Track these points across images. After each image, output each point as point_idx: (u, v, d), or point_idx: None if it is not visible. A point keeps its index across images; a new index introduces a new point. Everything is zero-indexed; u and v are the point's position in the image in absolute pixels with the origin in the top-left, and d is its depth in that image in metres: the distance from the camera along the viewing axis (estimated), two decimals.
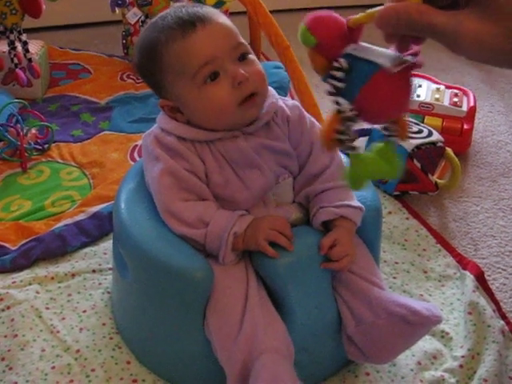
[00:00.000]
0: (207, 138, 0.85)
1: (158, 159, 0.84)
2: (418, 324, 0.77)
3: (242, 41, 0.85)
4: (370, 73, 0.59)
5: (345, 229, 0.84)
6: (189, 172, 0.83)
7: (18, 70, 1.51)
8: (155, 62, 0.85)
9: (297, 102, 0.94)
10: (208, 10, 0.85)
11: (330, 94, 0.61)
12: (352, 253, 0.83)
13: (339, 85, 0.61)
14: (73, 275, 1.06)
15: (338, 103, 0.61)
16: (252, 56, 0.85)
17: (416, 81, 1.57)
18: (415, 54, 0.61)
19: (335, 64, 0.61)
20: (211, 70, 0.81)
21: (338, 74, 0.60)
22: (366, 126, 1.33)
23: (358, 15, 0.59)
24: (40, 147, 1.43)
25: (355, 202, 0.86)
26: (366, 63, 0.59)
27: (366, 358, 0.83)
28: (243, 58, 0.83)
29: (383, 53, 0.60)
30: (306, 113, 0.92)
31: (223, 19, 0.85)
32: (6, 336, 0.94)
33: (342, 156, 0.91)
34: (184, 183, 0.83)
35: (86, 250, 1.13)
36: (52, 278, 1.05)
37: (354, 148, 0.63)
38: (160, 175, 0.83)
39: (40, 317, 0.97)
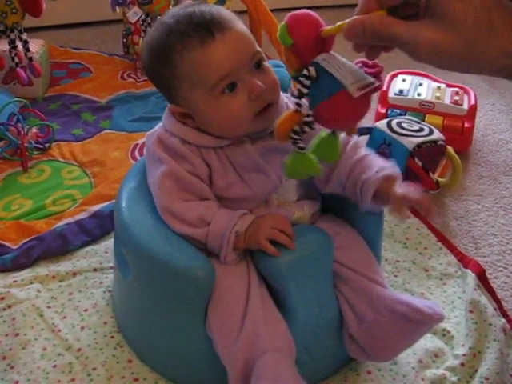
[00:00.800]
0: (215, 144, 0.84)
1: (161, 161, 0.84)
2: (419, 322, 0.77)
3: (258, 49, 0.84)
4: (332, 91, 0.65)
5: (394, 186, 0.80)
6: (191, 174, 0.83)
7: (18, 69, 1.51)
8: (169, 68, 0.83)
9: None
10: (224, 15, 0.82)
11: (295, 97, 0.67)
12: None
13: (304, 91, 0.67)
14: (74, 274, 1.06)
15: (299, 105, 0.68)
16: (266, 64, 0.84)
17: (417, 79, 1.57)
18: (378, 73, 0.66)
19: (304, 71, 0.66)
20: (229, 81, 0.80)
21: (305, 82, 0.66)
22: (366, 125, 1.34)
23: (330, 27, 0.64)
24: (41, 146, 1.43)
25: (386, 163, 0.84)
26: (331, 79, 0.64)
27: (368, 356, 0.83)
28: (258, 65, 0.82)
29: (350, 70, 0.65)
30: None
31: (240, 26, 0.83)
32: (7, 335, 0.94)
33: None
34: (186, 185, 0.82)
35: (87, 248, 1.13)
36: (53, 277, 1.05)
37: (302, 148, 0.69)
38: (162, 177, 0.83)
39: (41, 316, 0.98)
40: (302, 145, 0.68)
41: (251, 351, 0.75)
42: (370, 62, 0.67)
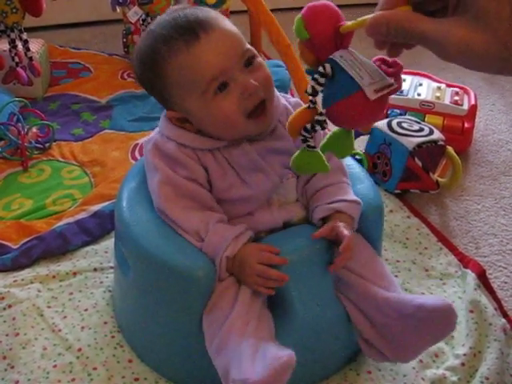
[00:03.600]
0: (213, 146, 0.84)
1: (157, 169, 0.84)
2: (427, 318, 0.77)
3: (248, 46, 0.82)
4: (348, 91, 0.61)
5: (340, 220, 0.82)
6: (188, 180, 0.82)
7: (18, 69, 1.51)
8: (160, 78, 0.82)
9: (299, 100, 0.94)
10: (208, 14, 0.81)
11: (309, 94, 0.63)
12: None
13: (318, 88, 0.64)
14: (74, 274, 1.06)
15: (313, 103, 0.64)
16: (258, 60, 0.82)
17: (417, 79, 1.57)
18: (397, 73, 0.63)
19: (320, 69, 0.62)
20: (220, 82, 0.79)
21: (320, 80, 0.63)
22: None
23: (350, 22, 0.60)
24: (41, 146, 1.43)
25: (351, 196, 0.86)
26: (348, 78, 0.61)
27: (387, 358, 0.83)
28: (249, 63, 0.81)
29: (368, 69, 0.62)
30: None
31: (225, 24, 0.81)
32: (7, 335, 0.94)
33: None
34: (183, 191, 0.82)
35: (88, 248, 1.13)
36: (53, 277, 1.05)
37: (312, 147, 0.67)
38: (159, 186, 0.83)
39: (41, 315, 0.98)
40: (311, 143, 0.66)
41: (227, 341, 0.74)
42: (390, 60, 0.64)
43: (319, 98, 0.65)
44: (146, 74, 0.85)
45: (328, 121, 0.65)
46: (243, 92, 0.79)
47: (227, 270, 0.80)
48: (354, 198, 0.86)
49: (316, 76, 0.63)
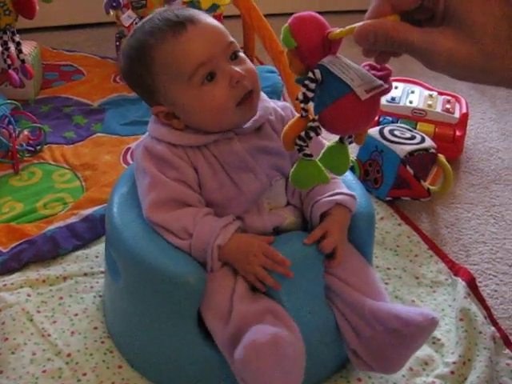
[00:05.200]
0: (201, 142, 0.84)
1: (146, 172, 0.84)
2: (413, 334, 0.77)
3: (232, 39, 0.85)
4: (339, 94, 0.62)
5: (337, 217, 0.84)
6: (177, 181, 0.83)
7: (10, 71, 1.51)
8: (146, 67, 0.83)
9: (287, 103, 0.96)
10: (194, 12, 0.84)
11: (300, 101, 0.63)
12: (341, 245, 0.83)
13: (310, 95, 0.64)
14: (64, 278, 1.06)
15: (305, 110, 0.64)
16: (242, 54, 0.85)
17: (409, 87, 1.58)
18: (387, 76, 0.64)
19: (310, 74, 0.63)
20: (208, 70, 0.80)
21: (310, 85, 0.63)
22: None
23: (338, 30, 0.61)
24: (32, 149, 1.42)
25: (346, 190, 0.87)
26: (338, 82, 0.62)
27: (374, 369, 0.83)
28: (235, 56, 0.83)
29: (357, 72, 0.62)
30: (296, 113, 0.93)
31: (211, 19, 0.84)
32: None
33: None
34: (172, 193, 0.82)
35: (78, 253, 1.12)
36: (43, 281, 1.05)
37: (308, 155, 0.67)
38: (147, 189, 0.83)
39: (31, 320, 0.97)
40: (307, 151, 0.67)
41: (240, 332, 0.74)
42: (378, 66, 0.65)
43: (311, 106, 0.65)
44: (134, 68, 0.86)
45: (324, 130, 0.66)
46: (231, 80, 0.80)
47: (219, 259, 0.80)
48: (350, 192, 0.87)
49: (306, 82, 0.63)
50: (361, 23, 0.56)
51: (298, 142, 0.66)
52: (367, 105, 0.62)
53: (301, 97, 0.64)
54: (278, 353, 0.70)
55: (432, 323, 0.78)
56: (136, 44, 0.84)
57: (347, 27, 0.59)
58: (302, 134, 0.65)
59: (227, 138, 0.85)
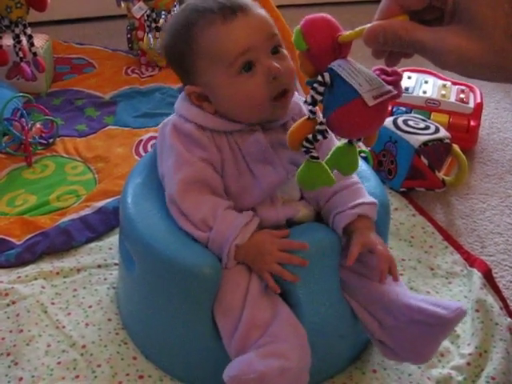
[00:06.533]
0: (227, 128, 0.84)
1: (173, 149, 0.84)
2: (439, 325, 0.76)
3: (277, 32, 0.84)
4: (347, 98, 0.62)
5: (367, 229, 0.82)
6: (204, 161, 0.82)
7: (22, 64, 1.51)
8: (189, 45, 0.83)
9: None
10: (247, 1, 0.83)
11: (308, 103, 0.64)
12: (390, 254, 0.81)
13: (318, 98, 0.65)
14: (78, 270, 1.06)
15: (313, 113, 0.65)
16: (284, 50, 0.84)
17: (422, 77, 1.57)
18: (396, 81, 0.64)
19: (319, 78, 0.64)
20: (247, 59, 0.80)
21: (319, 89, 0.64)
22: None
23: (348, 32, 0.62)
24: (44, 141, 1.43)
25: (368, 198, 0.85)
26: (346, 86, 0.62)
27: (402, 358, 0.83)
28: (276, 51, 0.82)
29: (366, 77, 0.63)
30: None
31: (260, 10, 0.84)
32: (11, 331, 0.94)
33: None
34: (196, 173, 0.82)
35: (92, 245, 1.13)
36: (57, 273, 1.05)
37: (315, 158, 0.67)
38: (174, 167, 0.83)
39: (45, 312, 0.97)
40: (314, 154, 0.67)
41: (248, 340, 0.75)
42: (389, 70, 0.65)
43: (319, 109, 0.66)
44: (177, 45, 0.85)
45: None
46: (268, 75, 0.80)
47: (235, 258, 0.79)
48: (372, 199, 0.85)
49: (315, 85, 0.64)
50: (369, 24, 0.57)
51: (305, 144, 0.66)
52: (375, 110, 0.62)
53: (309, 99, 0.65)
54: None
55: (459, 316, 0.77)
56: (184, 21, 0.84)
57: (356, 29, 0.59)
58: (310, 136, 0.66)
59: (252, 129, 0.85)
